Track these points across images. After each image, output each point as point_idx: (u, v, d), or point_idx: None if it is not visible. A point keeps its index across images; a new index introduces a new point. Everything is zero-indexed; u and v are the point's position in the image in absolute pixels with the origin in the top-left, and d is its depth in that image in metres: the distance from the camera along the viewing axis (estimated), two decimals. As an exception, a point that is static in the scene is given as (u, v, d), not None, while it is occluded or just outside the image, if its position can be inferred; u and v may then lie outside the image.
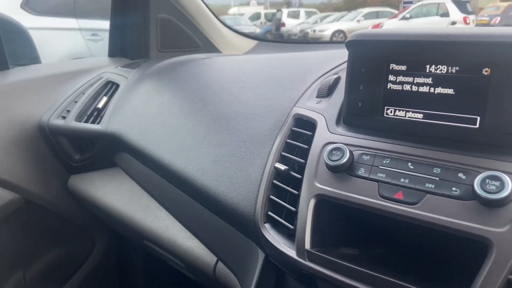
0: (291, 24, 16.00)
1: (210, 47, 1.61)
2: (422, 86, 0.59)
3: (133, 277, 1.47)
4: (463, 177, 0.53)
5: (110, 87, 1.25)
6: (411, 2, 14.70)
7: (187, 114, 0.96)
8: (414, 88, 0.60)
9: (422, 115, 0.60)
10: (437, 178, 0.55)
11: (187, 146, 0.89)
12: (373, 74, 0.63)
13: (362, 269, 0.56)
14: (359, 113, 0.65)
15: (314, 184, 0.63)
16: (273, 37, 15.00)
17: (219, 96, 0.96)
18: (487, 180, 0.50)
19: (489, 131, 0.54)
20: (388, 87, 0.62)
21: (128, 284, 1.48)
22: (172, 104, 1.02)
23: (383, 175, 0.58)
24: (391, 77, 0.62)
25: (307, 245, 0.61)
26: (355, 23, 14.15)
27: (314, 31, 14.21)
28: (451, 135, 0.57)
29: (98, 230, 1.38)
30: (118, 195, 1.12)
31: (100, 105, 1.19)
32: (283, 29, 15.51)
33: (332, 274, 0.58)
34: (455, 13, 11.48)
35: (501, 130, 0.54)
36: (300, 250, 0.62)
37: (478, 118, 0.55)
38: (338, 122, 0.68)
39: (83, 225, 1.35)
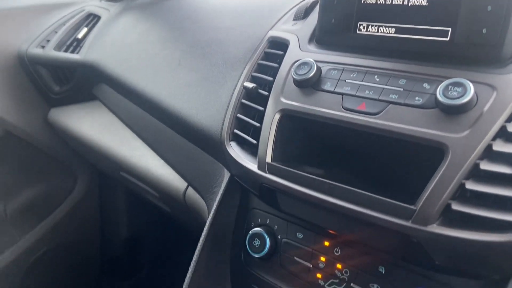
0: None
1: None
2: None
3: (115, 217, 1.48)
4: (428, 86, 0.52)
5: (92, 19, 1.21)
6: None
7: (164, 42, 0.93)
8: (388, 1, 0.57)
9: (394, 29, 0.57)
10: (402, 89, 0.53)
11: (161, 72, 0.88)
12: None
13: (320, 179, 0.55)
14: (332, 30, 0.63)
15: (280, 99, 0.62)
16: None
17: (197, 25, 0.94)
18: (450, 87, 0.49)
19: (459, 42, 0.52)
20: (362, 1, 0.60)
21: (110, 223, 1.49)
22: (151, 33, 0.99)
23: (348, 88, 0.57)
24: (365, -10, 0.59)
25: (268, 158, 0.60)
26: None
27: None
28: (422, 48, 0.55)
29: (80, 168, 1.37)
30: (95, 127, 1.11)
31: (80, 36, 1.15)
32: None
33: (291, 185, 0.58)
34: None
35: (471, 41, 0.52)
36: (261, 164, 0.61)
37: (450, 29, 0.53)
38: (311, 41, 0.66)
39: (64, 162, 1.35)
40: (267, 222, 0.68)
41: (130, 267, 1.58)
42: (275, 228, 0.66)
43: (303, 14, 0.73)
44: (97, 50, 1.08)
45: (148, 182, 0.96)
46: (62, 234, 1.36)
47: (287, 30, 0.72)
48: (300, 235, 0.64)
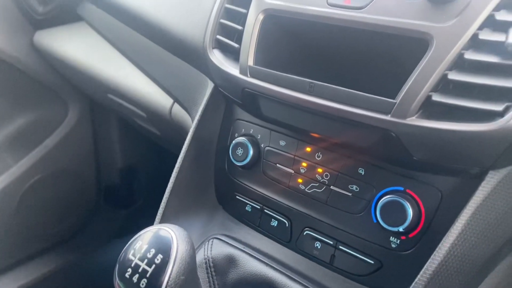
0: None
1: None
2: None
3: (108, 146, 1.49)
4: None
5: None
6: None
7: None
8: None
9: None
10: None
11: (144, -18, 0.83)
12: None
13: (301, 78, 0.54)
14: None
15: (264, 0, 0.58)
16: None
17: None
18: None
19: None
20: None
21: (104, 151, 1.50)
22: None
23: None
24: None
25: (250, 62, 0.58)
26: None
27: None
28: None
29: (70, 95, 1.35)
30: (81, 48, 1.08)
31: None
32: None
33: (272, 87, 0.56)
34: None
35: None
36: (243, 67, 0.59)
37: None
38: None
39: (54, 89, 1.33)
40: (251, 132, 0.67)
41: (126, 196, 1.61)
42: (258, 137, 0.66)
43: None
44: (79, -35, 1.02)
45: (135, 101, 0.95)
46: (55, 162, 1.37)
47: None
48: (282, 143, 0.63)
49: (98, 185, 1.57)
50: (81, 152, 1.46)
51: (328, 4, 0.53)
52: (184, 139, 0.69)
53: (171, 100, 0.86)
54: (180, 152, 0.68)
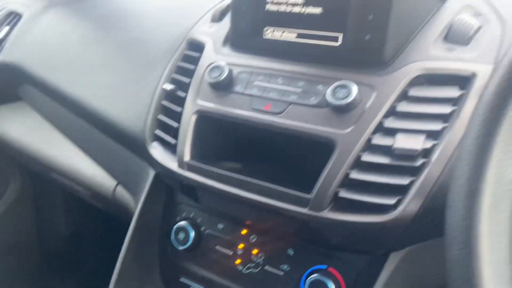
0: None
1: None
2: (295, 6, 0.62)
3: (52, 215, 1.46)
4: (321, 88, 0.58)
5: (13, 18, 1.17)
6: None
7: (87, 42, 0.94)
8: (289, 9, 0.63)
9: (295, 34, 0.63)
10: (300, 90, 0.59)
11: (85, 73, 0.89)
12: None
13: (231, 174, 0.61)
14: (243, 34, 0.68)
15: (196, 101, 0.66)
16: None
17: (122, 24, 0.95)
18: (337, 89, 0.55)
19: (349, 47, 0.59)
20: (267, 8, 0.65)
21: (47, 221, 1.47)
22: (74, 33, 0.99)
23: (256, 90, 0.62)
24: (269, -2, 0.64)
25: (187, 157, 0.65)
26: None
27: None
28: (319, 52, 0.61)
29: (11, 170, 1.34)
30: (23, 128, 1.09)
31: (0, 36, 1.12)
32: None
33: (207, 181, 0.63)
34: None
35: (357, 46, 0.58)
36: (181, 162, 0.65)
37: (341, 35, 0.59)
38: (225, 43, 0.71)
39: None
40: (191, 215, 0.72)
41: (72, 263, 1.57)
42: (199, 220, 0.71)
43: (219, 16, 0.77)
44: (19, 50, 1.05)
45: (79, 182, 0.97)
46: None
47: (204, 32, 0.75)
48: (220, 226, 0.69)
49: (42, 254, 1.52)
50: (23, 225, 1.42)
51: (252, 108, 0.61)
52: (129, 216, 0.73)
53: (114, 182, 0.89)
54: (126, 221, 0.72)
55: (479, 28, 0.57)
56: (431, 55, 0.56)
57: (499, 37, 0.56)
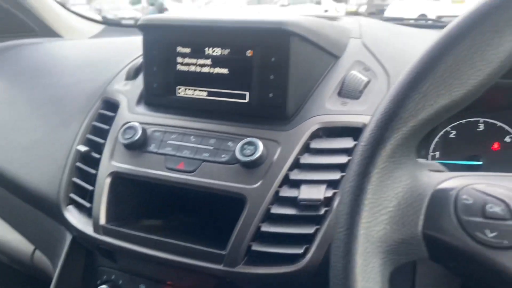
0: (174, 8, 15.59)
1: (49, 32, 1.51)
2: (204, 66, 0.66)
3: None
4: (231, 145, 0.61)
5: None
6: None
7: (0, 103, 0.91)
8: (198, 69, 0.66)
9: (206, 93, 0.66)
10: (212, 147, 0.62)
11: (-3, 135, 0.85)
12: (164, 57, 0.68)
13: (148, 236, 0.61)
14: (156, 93, 0.70)
15: (111, 162, 0.66)
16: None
17: (36, 81, 0.93)
18: (245, 146, 0.59)
19: (255, 104, 0.63)
20: (178, 69, 0.67)
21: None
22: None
23: (170, 149, 0.64)
24: (179, 59, 0.67)
25: (102, 221, 0.64)
26: (238, 8, 14.42)
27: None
28: (229, 109, 0.65)
29: None
30: None
31: None
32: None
33: (126, 244, 0.62)
34: (327, 2, 12.44)
35: (263, 103, 0.63)
36: (96, 226, 0.64)
37: (247, 93, 0.64)
38: (139, 102, 0.72)
39: None
40: (112, 277, 0.71)
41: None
42: (120, 282, 0.70)
43: (133, 74, 0.78)
44: None
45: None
46: None
47: (119, 90, 0.76)
48: (143, 287, 0.68)
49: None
50: None
51: (166, 168, 0.63)
52: (49, 280, 0.70)
53: (32, 247, 0.85)
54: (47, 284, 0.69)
55: (368, 82, 0.63)
56: (328, 109, 0.61)
57: (385, 90, 0.63)
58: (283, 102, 0.61)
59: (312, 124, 0.60)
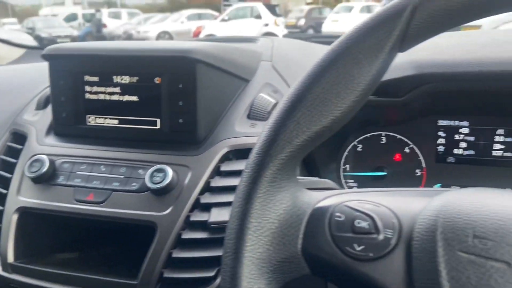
0: (113, 25, 15.26)
1: (-38, 57, 1.43)
2: (113, 94, 0.66)
3: None
4: (142, 172, 0.61)
5: None
6: (230, 5, 15.69)
7: None
8: (108, 97, 0.66)
9: (117, 120, 0.66)
10: (123, 176, 0.62)
11: None
12: (72, 86, 0.67)
13: (58, 271, 0.59)
14: (66, 123, 0.68)
15: (17, 197, 0.64)
16: (95, 39, 14.01)
17: None
18: (154, 173, 0.59)
19: (166, 130, 0.64)
20: (87, 97, 0.67)
21: None
22: None
23: (79, 180, 0.63)
24: (88, 88, 0.67)
25: (11, 259, 0.62)
26: (179, 24, 14.37)
27: (139, 32, 13.90)
28: (141, 136, 0.65)
29: None
30: None
31: None
32: (105, 30, 14.65)
33: (36, 282, 0.60)
34: (267, 16, 12.66)
35: (173, 129, 0.64)
36: (4, 264, 0.62)
37: (158, 120, 0.64)
38: (48, 132, 0.70)
39: None
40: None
41: None
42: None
43: (43, 103, 0.76)
44: None
45: None
46: None
47: (28, 120, 0.74)
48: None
49: None
50: None
51: (75, 200, 0.61)
52: None
53: None
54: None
55: (275, 104, 0.66)
56: (237, 132, 0.63)
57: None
58: (193, 127, 0.63)
59: (222, 147, 0.62)
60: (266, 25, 12.16)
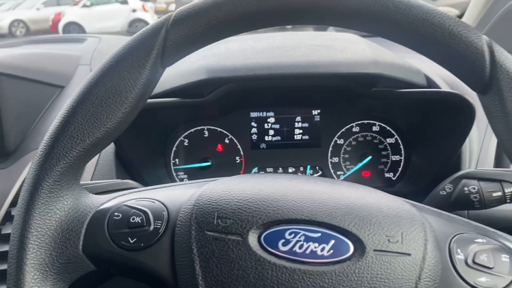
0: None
1: None
2: None
3: None
4: None
5: None
6: (93, -11, 14.48)
7: None
8: None
9: None
10: None
11: None
12: None
13: None
14: None
15: None
16: None
17: None
18: None
19: None
20: None
21: None
22: None
23: None
24: None
25: None
26: (35, 11, 12.85)
27: (-12, 21, 12.05)
28: None
29: None
30: None
31: None
32: None
33: None
34: (134, 1, 11.97)
35: None
36: None
37: None
38: None
39: None
40: None
41: None
42: None
43: None
44: None
45: None
46: None
47: None
48: None
49: None
50: None
51: None
52: None
53: None
54: None
55: None
56: None
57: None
58: (0, 140, 0.61)
59: (33, 157, 0.61)
60: (134, 11, 11.52)
